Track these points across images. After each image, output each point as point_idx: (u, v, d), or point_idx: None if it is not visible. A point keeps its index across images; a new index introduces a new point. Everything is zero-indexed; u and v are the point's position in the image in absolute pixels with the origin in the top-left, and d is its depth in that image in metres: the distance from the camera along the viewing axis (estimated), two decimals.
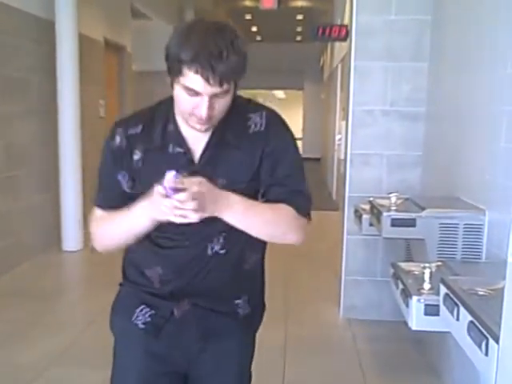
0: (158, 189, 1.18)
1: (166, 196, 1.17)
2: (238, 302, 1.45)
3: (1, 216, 4.63)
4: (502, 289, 1.03)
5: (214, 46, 1.20)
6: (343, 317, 3.82)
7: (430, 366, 3.09)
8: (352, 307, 3.80)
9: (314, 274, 4.90)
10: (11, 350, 3.23)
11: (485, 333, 1.31)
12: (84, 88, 5.48)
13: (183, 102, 1.27)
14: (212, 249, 1.35)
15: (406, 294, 1.91)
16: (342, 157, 4.52)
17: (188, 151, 1.34)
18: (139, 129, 1.36)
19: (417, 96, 3.52)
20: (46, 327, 3.56)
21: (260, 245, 1.47)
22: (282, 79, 17.56)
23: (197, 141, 1.34)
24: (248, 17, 13.28)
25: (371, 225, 2.94)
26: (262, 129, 1.37)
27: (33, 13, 5.03)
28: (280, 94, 26.77)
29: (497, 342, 1.21)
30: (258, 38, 16.58)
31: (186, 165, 1.32)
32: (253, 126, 1.37)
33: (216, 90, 1.22)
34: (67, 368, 3.02)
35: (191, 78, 1.21)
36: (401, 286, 2.02)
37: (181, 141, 1.34)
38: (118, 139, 1.37)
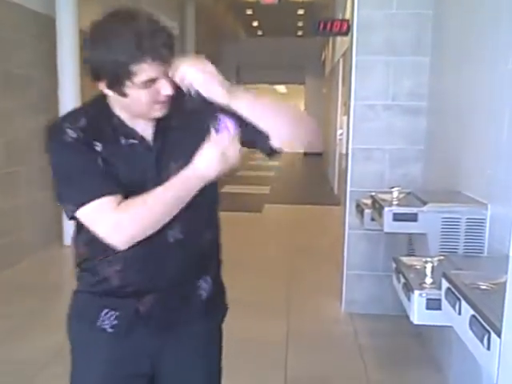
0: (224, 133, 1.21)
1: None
2: (199, 283, 1.44)
3: (2, 212, 4.63)
4: (504, 283, 1.03)
5: (144, 28, 1.19)
6: (345, 311, 3.82)
7: (432, 360, 3.09)
8: (354, 301, 3.80)
9: (315, 268, 4.90)
10: (12, 345, 3.24)
11: (487, 327, 1.31)
12: (85, 84, 5.47)
13: (143, 99, 1.24)
14: (173, 236, 1.33)
15: (408, 289, 1.91)
16: (344, 151, 4.52)
17: (142, 140, 1.32)
18: (84, 122, 1.28)
19: (418, 90, 3.51)
20: (47, 323, 3.57)
21: (215, 224, 1.49)
22: (284, 74, 17.54)
23: (143, 131, 1.33)
24: (249, 12, 13.26)
25: (373, 219, 2.94)
26: (195, 104, 1.34)
27: (33, 8, 5.02)
28: (281, 88, 26.74)
29: (499, 336, 1.21)
30: (259, 33, 16.56)
31: (144, 153, 1.32)
32: (189, 103, 1.34)
33: (169, 64, 1.23)
34: (68, 364, 3.02)
35: (147, 70, 1.20)
36: (403, 281, 2.01)
37: (132, 132, 1.32)
38: (70, 132, 1.26)
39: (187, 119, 1.34)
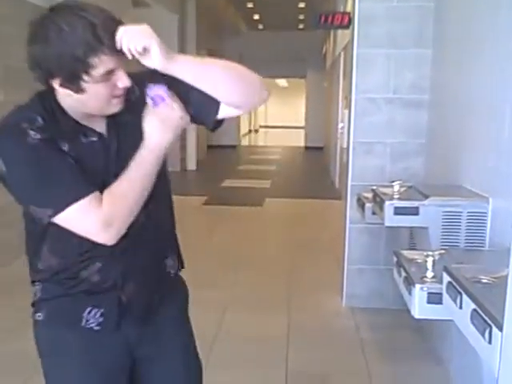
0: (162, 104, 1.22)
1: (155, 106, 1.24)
2: (166, 261, 1.47)
3: (3, 208, 4.62)
4: (506, 277, 1.03)
5: (97, 18, 1.15)
6: (346, 305, 3.82)
7: (433, 354, 3.09)
8: (355, 296, 3.80)
9: (316, 262, 4.90)
10: (13, 342, 3.24)
11: (488, 321, 1.30)
12: None
13: (101, 94, 1.21)
14: (140, 220, 1.30)
15: (409, 283, 1.91)
16: (345, 145, 4.51)
17: (100, 138, 1.30)
18: (41, 121, 1.21)
19: (420, 83, 3.50)
20: None
21: (170, 200, 1.48)
22: (285, 68, 17.50)
23: (98, 129, 1.30)
24: (250, 5, 13.20)
25: (374, 213, 2.94)
26: (138, 93, 1.34)
27: (33, 2, 5.01)
28: (283, 82, 26.71)
29: (500, 329, 1.20)
30: (260, 27, 16.49)
31: (104, 150, 1.29)
32: (132, 95, 1.32)
33: (124, 54, 1.20)
34: None
35: (105, 61, 1.17)
36: (404, 275, 2.01)
37: (88, 130, 1.28)
38: (32, 133, 1.18)
39: (136, 113, 1.32)
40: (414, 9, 3.45)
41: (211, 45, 13.41)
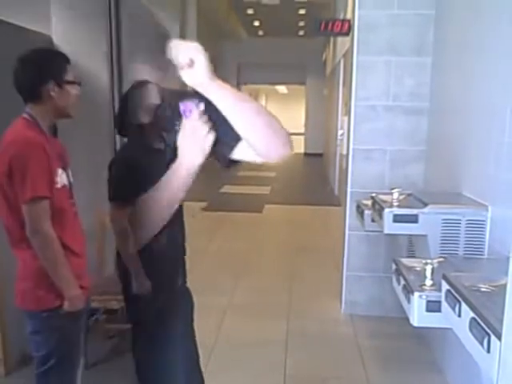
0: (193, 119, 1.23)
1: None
2: (177, 274, 1.59)
3: None
4: (505, 285, 1.02)
5: None
6: (345, 312, 3.82)
7: (432, 362, 3.09)
8: (354, 303, 3.80)
9: (316, 269, 4.90)
10: None
11: (487, 329, 1.30)
12: None
13: None
14: (162, 238, 1.36)
15: (408, 290, 1.91)
16: (345, 152, 4.51)
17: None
18: None
19: (420, 91, 3.51)
20: None
21: (183, 217, 1.58)
22: (285, 74, 17.52)
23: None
24: (250, 11, 13.24)
25: (373, 221, 2.94)
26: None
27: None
28: (282, 89, 26.74)
29: (499, 338, 1.20)
30: (261, 33, 16.53)
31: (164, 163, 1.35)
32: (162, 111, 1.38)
33: None
34: None
35: None
36: (403, 282, 2.01)
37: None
38: None
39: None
40: (414, 16, 3.46)
41: (211, 51, 13.41)
